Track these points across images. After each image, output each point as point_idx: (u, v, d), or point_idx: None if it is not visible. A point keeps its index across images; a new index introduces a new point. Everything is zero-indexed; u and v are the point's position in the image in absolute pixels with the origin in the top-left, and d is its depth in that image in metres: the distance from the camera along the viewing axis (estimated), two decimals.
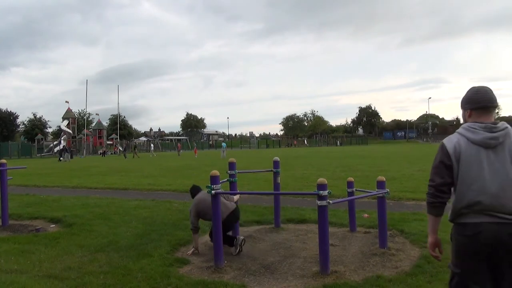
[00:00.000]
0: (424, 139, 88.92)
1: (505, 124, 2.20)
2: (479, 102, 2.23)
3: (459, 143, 2.21)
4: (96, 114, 69.20)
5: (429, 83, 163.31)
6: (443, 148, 2.27)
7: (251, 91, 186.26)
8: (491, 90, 2.25)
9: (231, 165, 5.65)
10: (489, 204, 2.13)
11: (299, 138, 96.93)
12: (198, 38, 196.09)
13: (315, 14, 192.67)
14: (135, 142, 47.79)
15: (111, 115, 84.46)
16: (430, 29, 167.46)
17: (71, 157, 37.96)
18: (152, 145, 51.35)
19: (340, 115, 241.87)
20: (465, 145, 2.19)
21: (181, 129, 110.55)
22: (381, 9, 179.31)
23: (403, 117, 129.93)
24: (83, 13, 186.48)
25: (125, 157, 37.79)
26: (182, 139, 78.79)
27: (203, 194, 4.98)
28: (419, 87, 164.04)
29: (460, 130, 2.27)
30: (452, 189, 2.31)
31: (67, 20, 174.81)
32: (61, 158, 35.38)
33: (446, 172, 2.27)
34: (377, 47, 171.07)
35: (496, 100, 2.25)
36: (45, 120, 78.74)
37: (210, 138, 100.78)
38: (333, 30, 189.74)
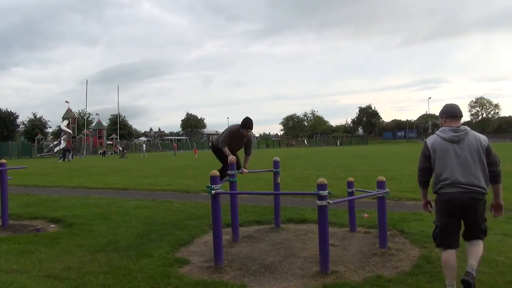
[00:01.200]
0: (424, 139, 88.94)
1: (466, 127, 3.38)
2: (450, 113, 3.48)
3: (435, 140, 3.41)
4: (96, 114, 69.37)
5: (429, 83, 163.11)
6: (425, 144, 3.50)
7: (251, 91, 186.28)
8: (458, 105, 3.49)
9: (231, 165, 5.65)
10: (455, 180, 3.26)
11: (299, 138, 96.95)
12: (198, 38, 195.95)
13: (315, 14, 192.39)
14: (124, 143, 47.81)
15: (111, 115, 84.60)
16: (430, 29, 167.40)
17: (72, 157, 38.00)
18: (144, 145, 51.25)
19: (340, 115, 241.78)
20: (439, 141, 3.39)
21: (181, 129, 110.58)
22: (381, 9, 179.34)
23: (403, 117, 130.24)
24: (83, 13, 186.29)
25: (124, 157, 37.91)
26: (182, 139, 78.83)
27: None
28: (419, 87, 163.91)
29: (437, 132, 3.49)
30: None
31: (67, 20, 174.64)
32: (65, 159, 35.26)
33: (426, 160, 3.47)
34: (377, 47, 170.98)
35: (461, 112, 3.50)
36: (45, 120, 78.87)
37: (210, 138, 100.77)
38: (333, 30, 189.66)
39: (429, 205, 3.69)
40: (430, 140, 3.45)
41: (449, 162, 3.29)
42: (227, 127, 6.30)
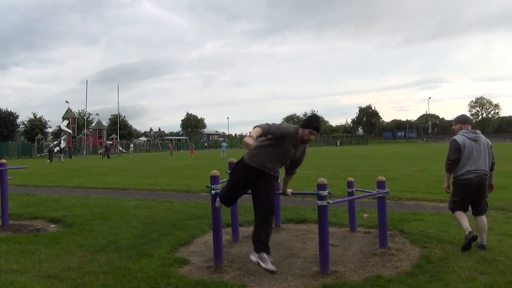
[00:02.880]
0: (424, 139, 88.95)
1: (479, 131, 4.77)
2: (467, 121, 4.92)
3: (463, 139, 4.67)
4: (96, 114, 69.38)
5: (429, 83, 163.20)
6: (456, 141, 4.69)
7: (251, 91, 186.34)
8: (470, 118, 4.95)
9: (231, 165, 5.64)
10: (477, 168, 4.63)
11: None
12: (198, 38, 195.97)
13: (315, 14, 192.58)
14: (107, 144, 47.87)
15: (111, 115, 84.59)
16: (430, 28, 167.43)
17: (70, 157, 38.03)
18: (131, 145, 51.05)
19: (340, 115, 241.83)
20: (466, 140, 4.67)
21: (181, 129, 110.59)
22: (381, 9, 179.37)
23: (403, 117, 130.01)
24: (82, 12, 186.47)
25: (108, 157, 38.21)
26: (182, 139, 78.84)
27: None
28: (419, 87, 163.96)
29: (461, 132, 4.75)
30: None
31: (67, 19, 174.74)
32: (52, 159, 34.63)
33: (458, 152, 4.65)
34: (377, 47, 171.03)
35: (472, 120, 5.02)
36: (45, 120, 78.84)
37: (210, 138, 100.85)
38: (333, 29, 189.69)
39: (449, 188, 4.87)
40: (459, 138, 4.67)
41: (472, 155, 4.61)
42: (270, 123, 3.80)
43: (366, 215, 6.65)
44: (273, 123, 3.81)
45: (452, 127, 4.90)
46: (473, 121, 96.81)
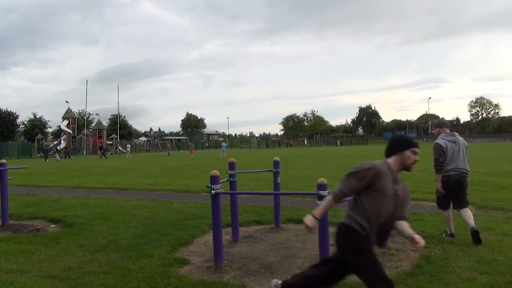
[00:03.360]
0: (424, 139, 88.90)
1: (457, 133, 5.23)
2: (445, 124, 5.37)
3: (445, 142, 5.12)
4: (96, 114, 69.22)
5: (429, 83, 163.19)
6: (439, 145, 5.13)
7: (251, 91, 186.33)
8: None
9: (231, 165, 5.65)
10: (456, 166, 5.08)
11: (299, 138, 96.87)
12: (198, 37, 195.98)
13: (315, 14, 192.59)
14: (106, 144, 47.94)
15: (111, 115, 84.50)
16: (430, 28, 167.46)
17: (67, 157, 38.01)
18: (129, 145, 50.81)
19: (340, 115, 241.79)
20: (446, 142, 5.12)
21: (181, 129, 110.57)
22: (380, 9, 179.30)
23: (403, 117, 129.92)
24: (82, 12, 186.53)
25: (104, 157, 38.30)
26: (182, 139, 78.83)
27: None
28: (419, 87, 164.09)
29: (441, 136, 5.20)
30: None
31: (67, 19, 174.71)
32: (47, 159, 34.72)
33: (444, 154, 5.08)
34: (377, 47, 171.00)
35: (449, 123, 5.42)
36: (45, 120, 78.80)
37: (210, 138, 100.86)
38: (333, 29, 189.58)
39: (442, 187, 5.16)
40: (441, 142, 5.12)
41: (453, 155, 5.06)
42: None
43: None
44: (346, 176, 2.79)
45: (432, 131, 5.53)
46: (473, 121, 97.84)
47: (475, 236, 4.81)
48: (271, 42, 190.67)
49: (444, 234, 5.28)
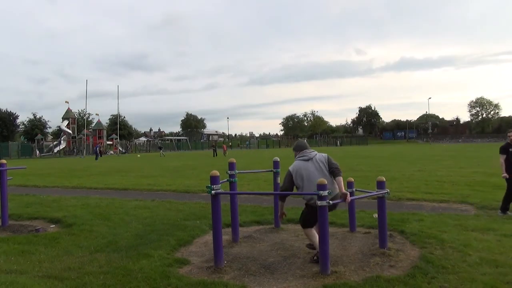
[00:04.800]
0: (424, 139, 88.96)
1: (313, 151, 4.79)
2: (301, 147, 4.84)
3: (295, 166, 4.69)
4: (96, 114, 69.24)
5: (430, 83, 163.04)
6: (289, 171, 4.70)
7: (252, 91, 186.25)
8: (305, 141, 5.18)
9: (231, 165, 5.65)
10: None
11: (299, 139, 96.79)
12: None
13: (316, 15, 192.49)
14: (99, 146, 48.10)
15: (111, 115, 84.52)
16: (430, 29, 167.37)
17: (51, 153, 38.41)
18: (119, 148, 50.51)
19: (340, 115, 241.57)
20: (300, 163, 4.67)
21: (181, 129, 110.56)
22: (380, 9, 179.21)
23: (403, 117, 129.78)
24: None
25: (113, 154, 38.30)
26: (182, 139, 78.84)
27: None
28: (419, 87, 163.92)
29: (298, 159, 4.76)
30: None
31: None
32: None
33: (289, 180, 4.69)
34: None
35: (307, 144, 4.95)
36: (45, 120, 78.79)
37: (210, 138, 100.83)
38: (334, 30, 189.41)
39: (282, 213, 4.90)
40: (293, 167, 4.69)
41: (308, 171, 4.58)
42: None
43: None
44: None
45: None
46: (473, 121, 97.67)
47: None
48: (278, 47, 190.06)
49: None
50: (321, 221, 3.98)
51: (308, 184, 4.47)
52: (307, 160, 4.66)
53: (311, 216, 4.51)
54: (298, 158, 4.76)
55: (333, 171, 4.54)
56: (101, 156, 40.51)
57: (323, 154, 4.77)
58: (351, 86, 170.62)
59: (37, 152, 38.22)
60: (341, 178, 4.51)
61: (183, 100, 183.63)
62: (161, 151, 45.99)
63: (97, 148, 41.71)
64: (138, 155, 40.03)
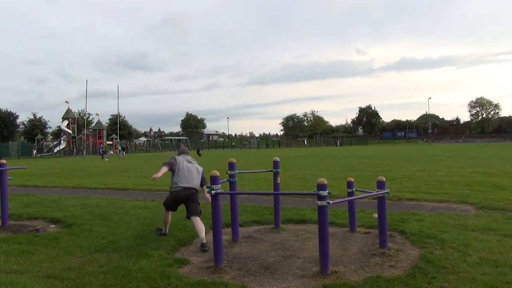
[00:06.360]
0: (424, 139, 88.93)
1: (194, 161, 5.91)
2: (183, 152, 5.97)
3: (181, 159, 5.79)
4: (96, 114, 69.22)
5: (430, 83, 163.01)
6: (175, 157, 5.83)
7: (252, 91, 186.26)
8: (187, 148, 6.39)
9: (231, 165, 5.65)
10: (183, 183, 5.60)
11: (299, 139, 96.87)
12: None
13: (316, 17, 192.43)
14: (102, 146, 48.09)
15: (111, 115, 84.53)
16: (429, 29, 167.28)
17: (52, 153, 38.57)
18: (119, 148, 50.30)
19: (340, 115, 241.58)
20: (185, 161, 5.77)
21: (181, 129, 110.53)
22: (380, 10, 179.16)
23: (403, 117, 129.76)
24: None
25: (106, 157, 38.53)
26: (182, 139, 78.82)
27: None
28: (420, 87, 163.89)
29: (179, 156, 5.89)
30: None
31: None
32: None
33: (172, 162, 5.75)
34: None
35: (188, 151, 6.17)
36: (45, 120, 78.79)
37: (210, 138, 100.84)
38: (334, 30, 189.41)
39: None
40: (178, 158, 5.80)
41: (184, 174, 5.63)
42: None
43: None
44: None
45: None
46: (473, 121, 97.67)
47: (203, 247, 5.02)
48: (279, 48, 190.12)
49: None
50: (321, 221, 3.98)
51: (180, 173, 5.64)
52: (189, 162, 5.78)
53: (171, 201, 5.76)
54: (183, 156, 5.85)
55: (202, 180, 5.77)
56: (102, 157, 40.51)
57: (200, 167, 5.90)
58: (351, 86, 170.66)
59: (34, 152, 38.36)
60: (205, 187, 5.66)
61: (183, 100, 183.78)
62: (123, 152, 44.00)
63: (100, 149, 41.84)
64: (106, 159, 39.19)
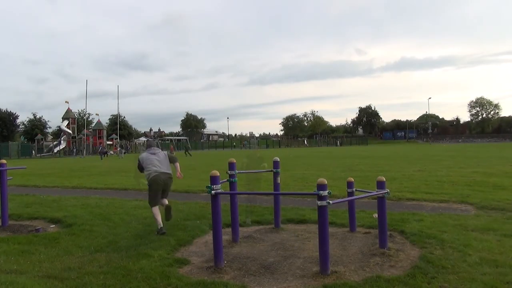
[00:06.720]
0: (424, 139, 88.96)
1: (159, 149, 6.51)
2: (149, 145, 6.56)
3: (143, 155, 6.31)
4: (96, 114, 69.24)
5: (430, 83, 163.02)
6: (139, 158, 6.34)
7: (252, 91, 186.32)
8: (155, 142, 7.15)
9: (231, 165, 5.65)
10: (155, 167, 6.13)
11: (299, 139, 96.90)
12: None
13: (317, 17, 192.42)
14: (103, 146, 48.16)
15: (111, 115, 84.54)
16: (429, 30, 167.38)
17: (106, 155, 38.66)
18: (119, 148, 50.29)
19: (340, 115, 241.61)
20: (146, 154, 6.29)
21: (181, 129, 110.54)
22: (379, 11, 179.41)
23: (403, 117, 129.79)
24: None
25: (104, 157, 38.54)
26: (182, 139, 78.80)
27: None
28: (420, 86, 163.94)
29: (146, 151, 6.40)
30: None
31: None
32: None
33: (140, 164, 6.29)
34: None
35: (156, 144, 6.87)
36: (45, 120, 78.81)
37: (210, 138, 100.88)
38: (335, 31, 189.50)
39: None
40: (141, 155, 6.38)
41: (153, 163, 6.14)
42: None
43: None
44: None
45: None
46: (473, 121, 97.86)
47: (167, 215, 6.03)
48: (279, 48, 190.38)
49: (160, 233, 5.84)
50: (321, 221, 3.98)
51: (147, 163, 6.12)
52: (152, 154, 6.24)
53: (154, 188, 6.06)
54: (146, 151, 6.37)
55: (172, 159, 6.38)
56: (106, 155, 40.58)
57: (165, 152, 6.54)
58: (351, 86, 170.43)
59: (33, 152, 38.42)
60: (178, 164, 6.46)
61: (183, 100, 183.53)
62: (123, 151, 44.02)
63: (101, 149, 41.93)
64: (119, 157, 39.03)
